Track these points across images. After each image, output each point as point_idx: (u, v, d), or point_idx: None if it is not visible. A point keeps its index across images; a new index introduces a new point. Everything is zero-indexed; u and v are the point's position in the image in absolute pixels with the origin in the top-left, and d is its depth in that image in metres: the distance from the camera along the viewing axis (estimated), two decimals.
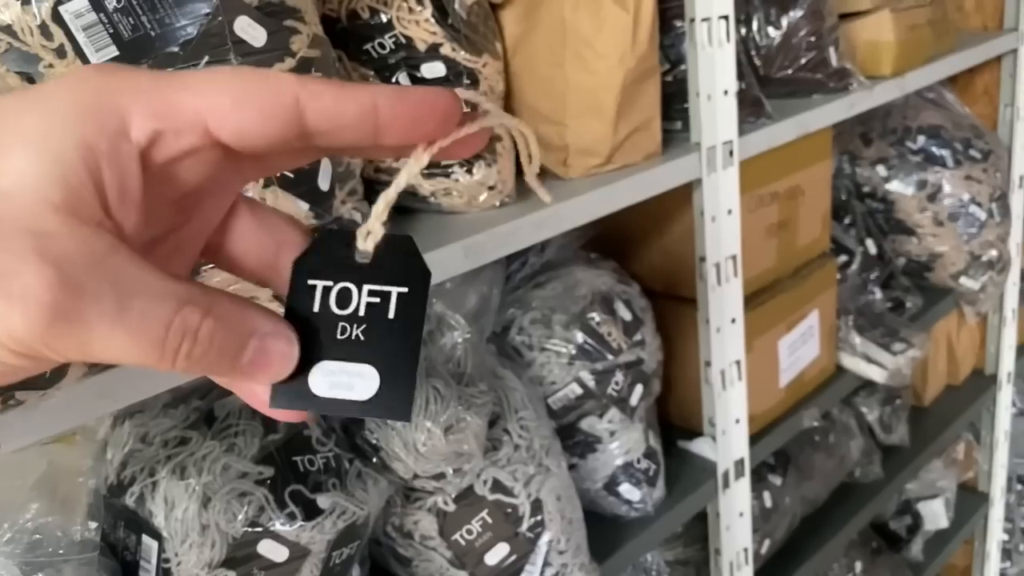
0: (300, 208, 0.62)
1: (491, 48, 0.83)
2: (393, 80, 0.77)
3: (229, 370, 0.26)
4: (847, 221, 1.37)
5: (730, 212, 0.99)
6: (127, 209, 0.24)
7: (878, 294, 1.38)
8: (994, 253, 1.44)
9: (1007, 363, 1.70)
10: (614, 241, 1.12)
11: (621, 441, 0.99)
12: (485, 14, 0.84)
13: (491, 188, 0.78)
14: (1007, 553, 1.94)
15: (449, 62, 0.78)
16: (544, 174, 0.91)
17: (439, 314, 0.83)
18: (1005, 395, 1.72)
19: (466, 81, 0.79)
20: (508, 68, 0.88)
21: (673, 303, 1.07)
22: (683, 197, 0.99)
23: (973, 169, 1.42)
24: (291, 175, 0.62)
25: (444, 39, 0.78)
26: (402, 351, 0.27)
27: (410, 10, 0.77)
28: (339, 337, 0.27)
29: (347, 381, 0.27)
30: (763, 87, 1.12)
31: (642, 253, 1.11)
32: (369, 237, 0.28)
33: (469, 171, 0.78)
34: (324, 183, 0.63)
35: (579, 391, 0.96)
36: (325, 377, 0.27)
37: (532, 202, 0.83)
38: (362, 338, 0.27)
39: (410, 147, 0.27)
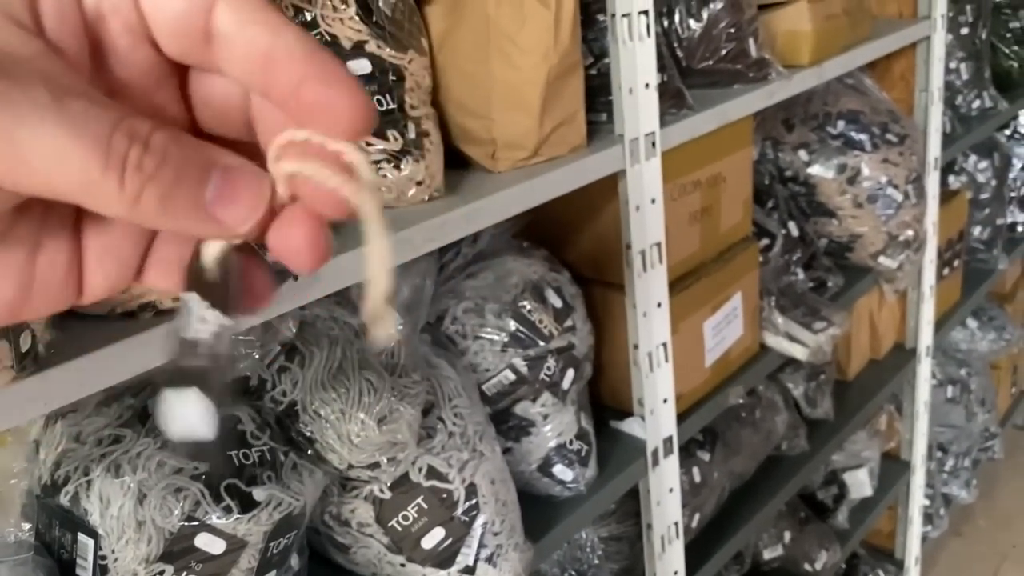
0: None
1: (416, 44, 0.84)
2: None
3: (191, 210, 0.22)
4: (770, 205, 1.42)
5: (654, 201, 1.02)
6: (65, 33, 0.22)
7: (801, 275, 1.43)
8: (910, 233, 1.50)
9: (926, 337, 1.78)
10: (546, 229, 1.15)
11: (554, 424, 1.02)
12: (410, 10, 0.85)
13: (419, 183, 0.80)
14: (928, 518, 2.04)
15: (374, 59, 0.79)
16: (473, 167, 0.93)
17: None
18: (924, 368, 1.81)
19: (392, 78, 0.80)
20: (434, 63, 0.89)
21: (603, 288, 1.11)
22: (610, 187, 1.02)
23: (890, 152, 1.48)
24: None
25: (369, 36, 0.79)
26: None
27: (334, 8, 0.78)
28: None
29: None
30: (685, 78, 1.16)
31: (573, 240, 1.14)
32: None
33: (397, 167, 0.79)
34: None
35: (512, 377, 0.99)
36: None
37: (461, 195, 0.85)
38: None
39: (287, 124, 0.23)
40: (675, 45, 1.15)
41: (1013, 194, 2.22)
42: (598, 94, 1.00)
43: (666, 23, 1.14)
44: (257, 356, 0.80)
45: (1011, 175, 2.18)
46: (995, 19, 1.99)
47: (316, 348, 0.81)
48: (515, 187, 0.87)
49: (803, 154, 1.49)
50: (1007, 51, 2.02)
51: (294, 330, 0.80)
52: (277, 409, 0.81)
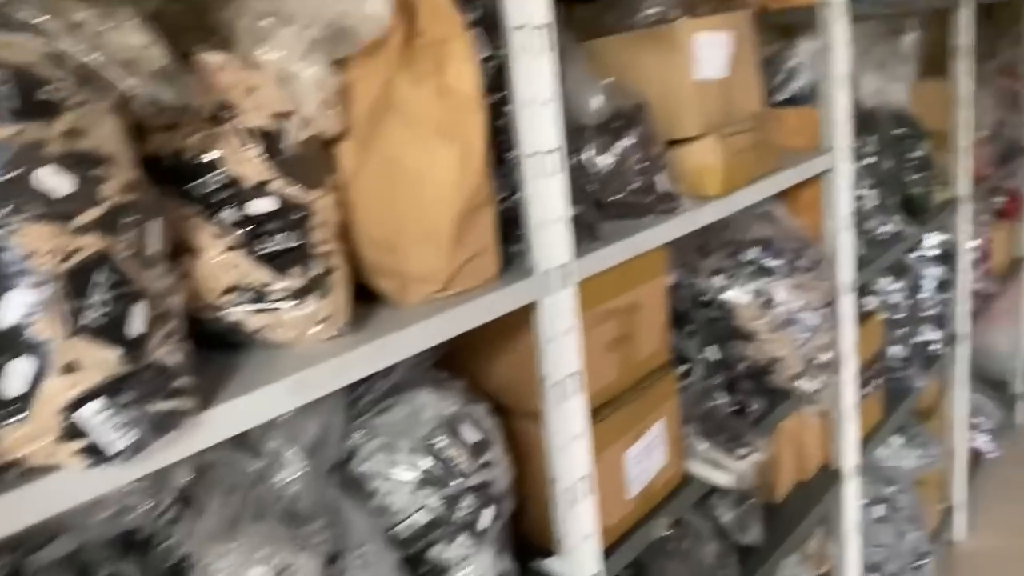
0: (109, 356, 0.60)
1: (324, 182, 0.84)
2: (221, 217, 0.77)
3: None
4: (689, 330, 1.43)
5: (568, 332, 1.02)
6: None
7: (723, 399, 1.44)
8: (827, 356, 1.53)
9: (851, 457, 1.79)
10: (466, 357, 1.13)
11: (472, 567, 0.97)
12: (318, 148, 0.85)
13: (322, 321, 0.78)
14: None
15: (280, 197, 0.79)
16: (384, 301, 0.92)
17: (272, 451, 0.81)
18: (851, 488, 1.81)
19: (298, 215, 0.80)
20: (345, 200, 0.89)
21: (524, 419, 1.09)
22: (527, 316, 1.01)
23: (803, 278, 1.52)
24: (100, 318, 0.60)
25: (275, 175, 0.79)
26: None
27: (240, 147, 0.78)
28: None
29: None
30: (599, 210, 1.19)
31: (493, 370, 1.12)
32: None
33: (298, 305, 0.78)
34: (136, 327, 0.62)
35: (426, 519, 0.94)
36: None
37: (368, 331, 0.83)
38: None
39: None
40: (588, 179, 1.18)
41: (927, 312, 2.29)
42: (515, 226, 1.01)
43: (579, 159, 1.18)
44: (147, 507, 0.75)
45: (923, 295, 2.26)
46: (897, 149, 2.10)
47: (212, 497, 0.76)
48: (426, 321, 0.86)
49: (719, 279, 1.52)
50: (910, 179, 2.13)
51: (188, 478, 0.76)
52: (167, 564, 0.76)
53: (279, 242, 0.77)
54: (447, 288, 0.90)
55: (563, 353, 1.01)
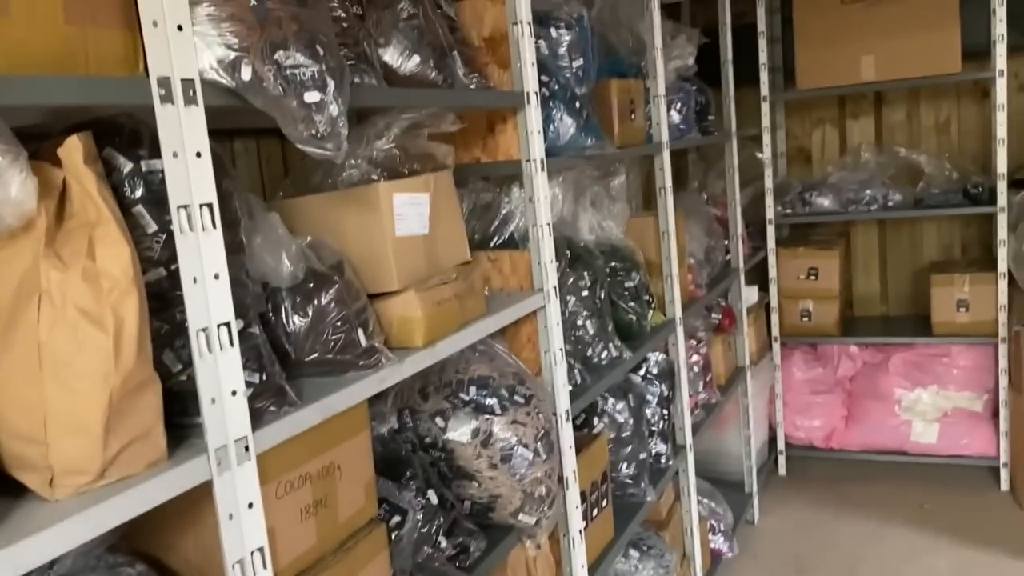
0: None
1: None
2: None
3: None
4: (407, 475, 1.45)
5: (251, 506, 1.00)
6: None
7: (444, 542, 1.45)
8: (543, 489, 1.60)
9: None
10: (150, 536, 1.07)
11: None
12: None
13: None
14: None
15: None
16: (30, 495, 0.86)
17: None
18: None
19: None
20: None
21: None
22: (210, 491, 0.98)
23: (518, 413, 1.60)
24: None
25: None
26: None
27: None
28: None
29: None
30: (296, 370, 1.19)
31: (178, 547, 1.07)
32: None
33: None
34: None
35: None
36: None
37: (4, 534, 0.77)
38: None
39: None
40: (283, 340, 1.18)
41: (653, 428, 2.47)
42: (193, 399, 0.98)
43: (272, 319, 1.18)
44: None
45: (648, 411, 2.43)
46: (612, 280, 2.29)
47: None
48: (75, 516, 0.81)
49: (439, 420, 1.56)
50: (626, 306, 2.31)
51: None
52: None
53: None
54: (102, 478, 0.86)
55: (245, 529, 0.99)
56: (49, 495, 0.84)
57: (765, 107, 3.57)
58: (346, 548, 1.17)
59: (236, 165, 1.76)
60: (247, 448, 0.99)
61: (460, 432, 1.56)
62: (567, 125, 1.81)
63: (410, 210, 1.36)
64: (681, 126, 2.70)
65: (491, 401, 1.59)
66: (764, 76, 3.52)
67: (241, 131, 1.76)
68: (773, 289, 3.67)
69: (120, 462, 0.87)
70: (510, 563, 1.70)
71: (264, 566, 1.01)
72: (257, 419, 1.02)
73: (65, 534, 0.80)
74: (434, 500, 1.48)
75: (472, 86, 1.57)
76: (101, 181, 0.88)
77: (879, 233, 3.93)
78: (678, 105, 2.67)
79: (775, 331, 3.70)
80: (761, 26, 3.47)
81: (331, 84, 1.02)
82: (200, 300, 0.94)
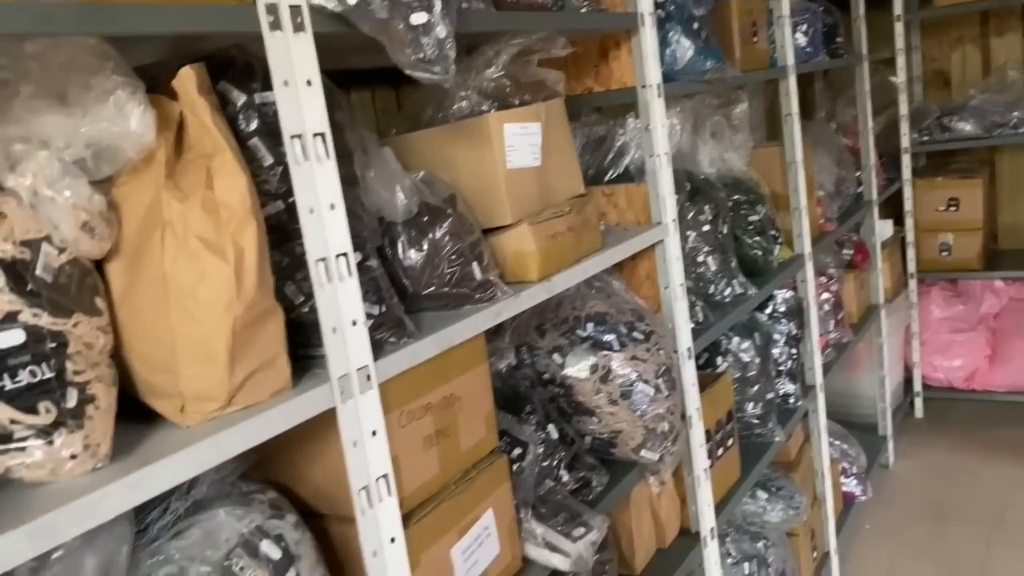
0: None
1: (87, 306, 0.81)
2: None
3: None
4: (527, 410, 1.44)
5: (375, 433, 1.00)
6: None
7: (565, 476, 1.44)
8: (665, 426, 1.56)
9: (708, 520, 1.81)
10: (279, 464, 1.10)
11: None
12: (81, 272, 0.83)
13: (75, 456, 0.75)
14: None
15: (29, 329, 0.76)
16: (163, 420, 0.89)
17: None
18: (712, 551, 1.83)
19: (50, 345, 0.77)
20: (116, 320, 0.86)
21: (340, 525, 1.06)
22: (333, 420, 1.00)
23: (637, 349, 1.56)
24: None
25: (23, 306, 0.76)
26: None
27: None
28: None
29: None
30: (414, 303, 1.19)
31: (306, 476, 1.09)
32: None
33: (49, 441, 0.74)
34: None
35: None
36: None
37: (136, 459, 0.80)
38: None
39: None
40: (399, 274, 1.18)
41: (781, 368, 2.37)
42: (315, 331, 0.99)
43: (389, 252, 1.18)
44: None
45: (775, 351, 2.34)
46: (735, 214, 2.20)
47: None
48: (205, 441, 0.84)
49: (557, 357, 1.54)
50: (750, 241, 2.22)
51: None
52: None
53: (25, 377, 0.73)
54: (229, 405, 0.88)
55: (369, 457, 1.00)
56: (180, 421, 0.87)
57: (899, 27, 3.31)
58: (469, 478, 1.17)
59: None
60: (369, 377, 1.00)
61: (578, 368, 1.54)
62: (684, 48, 1.72)
63: (521, 141, 1.33)
64: (807, 49, 2.54)
65: (609, 337, 1.55)
66: None
67: (357, 82, 1.77)
68: (909, 222, 3.46)
69: (246, 390, 0.89)
70: (633, 500, 1.68)
71: (389, 493, 1.02)
72: (378, 349, 1.03)
73: (197, 457, 0.82)
74: (554, 434, 1.46)
75: (584, 9, 1.50)
76: (215, 111, 0.88)
77: None
78: (804, 26, 2.51)
79: (911, 267, 3.49)
80: None
81: (437, 5, 0.99)
82: (317, 230, 0.94)
